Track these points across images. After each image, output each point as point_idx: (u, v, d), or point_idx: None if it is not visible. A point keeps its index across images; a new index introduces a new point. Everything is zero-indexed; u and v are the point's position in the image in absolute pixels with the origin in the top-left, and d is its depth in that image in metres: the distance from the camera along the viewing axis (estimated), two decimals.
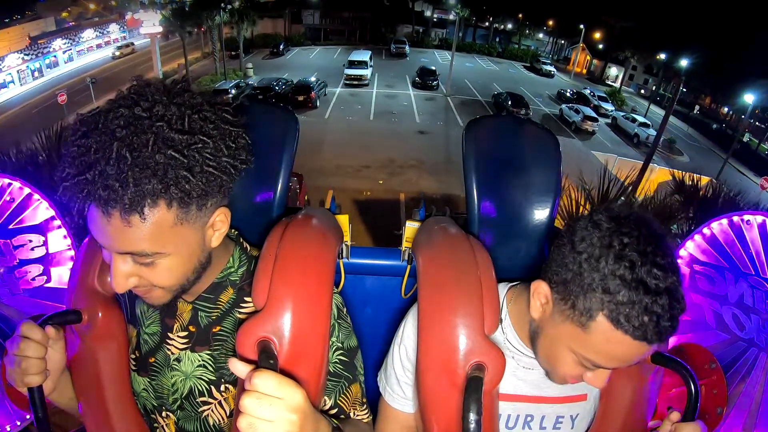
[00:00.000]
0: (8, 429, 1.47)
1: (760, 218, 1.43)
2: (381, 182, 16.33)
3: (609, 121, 29.03)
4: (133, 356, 1.20)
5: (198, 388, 1.13)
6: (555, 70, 41.45)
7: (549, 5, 42.84)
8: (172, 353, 1.14)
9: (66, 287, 1.25)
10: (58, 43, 35.08)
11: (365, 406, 1.19)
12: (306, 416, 0.82)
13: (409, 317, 1.25)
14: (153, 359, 1.17)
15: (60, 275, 1.70)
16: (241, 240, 1.21)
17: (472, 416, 0.96)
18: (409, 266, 1.53)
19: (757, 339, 1.41)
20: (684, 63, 24.33)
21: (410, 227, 1.50)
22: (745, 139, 30.87)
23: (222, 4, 30.73)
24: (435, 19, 53.05)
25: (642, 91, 40.76)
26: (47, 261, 1.69)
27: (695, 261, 1.59)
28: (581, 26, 40.51)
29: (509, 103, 26.73)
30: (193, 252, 1.00)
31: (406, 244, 1.54)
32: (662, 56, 32.18)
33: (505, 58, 46.74)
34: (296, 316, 0.96)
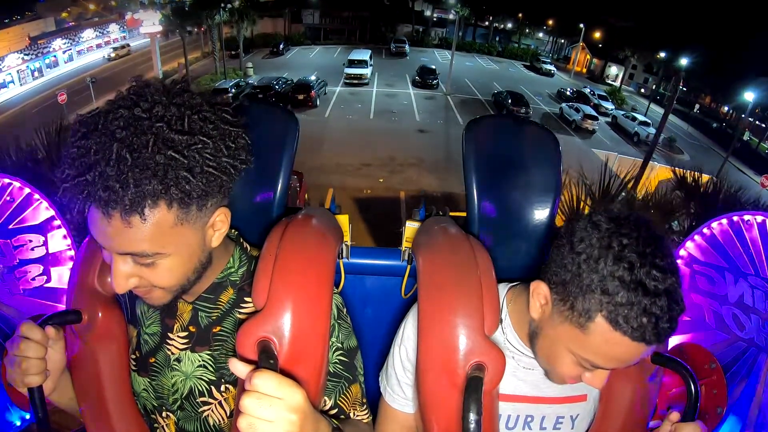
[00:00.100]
0: (8, 429, 1.47)
1: (760, 218, 1.43)
2: (381, 180, 16.33)
3: (609, 119, 29.01)
4: (133, 356, 1.20)
5: (198, 388, 1.13)
6: (555, 69, 41.41)
7: (549, 5, 42.78)
8: (173, 353, 1.14)
9: (66, 287, 1.25)
10: (58, 43, 35.02)
11: (365, 406, 1.19)
12: (306, 416, 0.82)
13: (409, 317, 1.25)
14: (153, 359, 1.17)
15: (60, 275, 1.70)
16: (242, 240, 1.21)
17: (472, 416, 0.96)
18: (409, 266, 1.53)
19: (757, 339, 1.41)
20: (684, 62, 24.29)
21: (410, 227, 1.50)
22: (746, 137, 30.87)
23: (222, 4, 30.70)
24: (435, 19, 53.00)
25: (642, 90, 40.73)
26: (47, 261, 1.69)
27: (695, 261, 1.59)
28: (581, 25, 40.49)
29: (509, 101, 26.72)
30: (193, 252, 1.01)
31: (406, 244, 1.54)
32: (662, 55, 32.15)
33: (505, 57, 46.67)
34: (296, 317, 0.96)
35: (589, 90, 33.05)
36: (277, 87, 25.73)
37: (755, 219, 1.44)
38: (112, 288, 1.14)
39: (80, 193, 0.85)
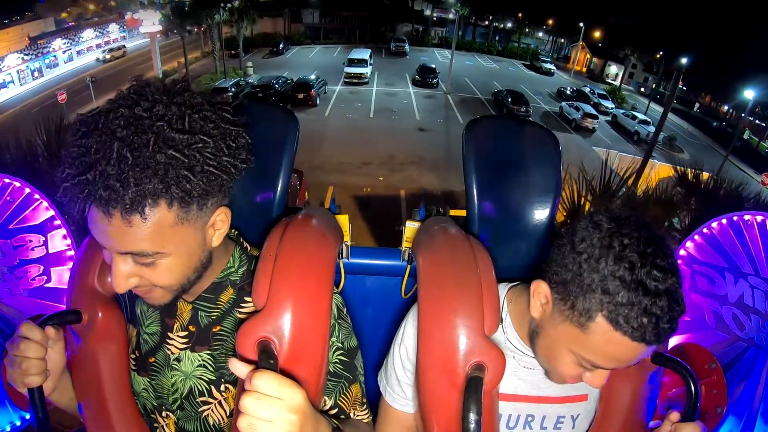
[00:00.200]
0: (8, 429, 1.47)
1: (759, 218, 1.43)
2: (381, 179, 16.33)
3: (609, 118, 29.03)
4: (133, 356, 1.20)
5: (198, 388, 1.13)
6: (555, 68, 41.45)
7: (548, 4, 42.80)
8: (172, 353, 1.14)
9: (66, 287, 1.25)
10: (58, 43, 34.95)
11: (365, 406, 1.19)
12: (306, 416, 0.82)
13: (409, 317, 1.25)
14: (153, 359, 1.17)
15: (60, 275, 1.70)
16: (242, 240, 1.21)
17: (472, 416, 0.96)
18: (409, 266, 1.53)
19: (757, 339, 1.41)
20: (684, 60, 24.30)
21: (410, 227, 1.50)
22: (746, 136, 30.88)
23: (222, 3, 30.69)
24: (434, 18, 52.98)
25: (642, 89, 40.75)
26: (47, 261, 1.69)
27: (695, 261, 1.59)
28: (581, 24, 40.48)
29: (509, 100, 26.75)
30: (193, 252, 1.01)
31: (406, 244, 1.54)
32: (662, 53, 32.18)
33: (504, 57, 46.68)
34: (296, 316, 0.96)
35: (589, 89, 33.07)
36: (276, 86, 25.71)
37: (755, 219, 1.44)
38: (112, 288, 1.14)
39: (81, 193, 0.85)
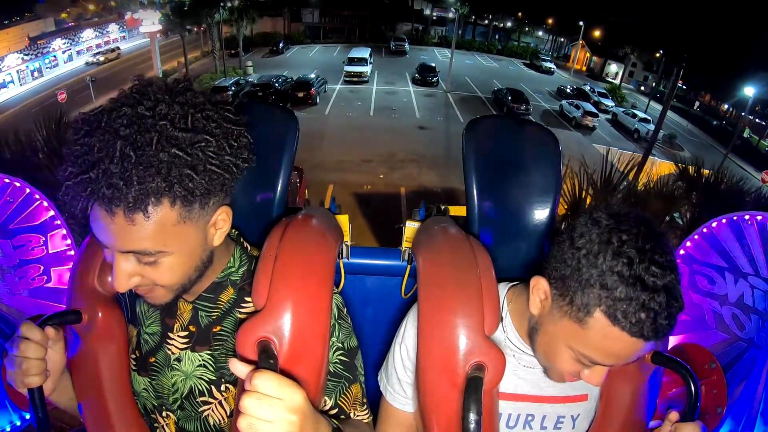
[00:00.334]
0: (8, 429, 1.47)
1: (759, 217, 1.42)
2: (381, 176, 16.32)
3: (609, 117, 29.05)
4: (133, 356, 1.20)
5: (198, 388, 1.13)
6: (555, 67, 41.42)
7: (548, 3, 42.75)
8: (173, 353, 1.14)
9: (66, 287, 1.25)
10: (58, 43, 34.89)
11: (365, 406, 1.19)
12: (306, 417, 0.82)
13: (409, 317, 1.25)
14: (153, 359, 1.17)
15: (60, 275, 1.70)
16: (242, 240, 1.21)
17: (472, 416, 0.96)
18: (409, 266, 1.53)
19: (757, 339, 1.41)
20: (683, 59, 24.28)
21: (410, 227, 1.50)
22: (746, 135, 30.88)
23: (221, 2, 30.67)
24: (434, 17, 52.88)
25: (642, 88, 40.73)
26: (47, 261, 1.69)
27: (695, 261, 1.59)
28: (581, 23, 40.46)
29: (509, 98, 26.72)
30: (195, 251, 1.01)
31: (406, 244, 1.54)
32: (662, 52, 32.17)
33: (504, 56, 46.67)
34: (296, 316, 0.96)
35: (589, 87, 33.10)
36: (276, 85, 25.69)
37: (755, 219, 1.43)
38: (112, 288, 1.15)
39: (83, 191, 0.86)
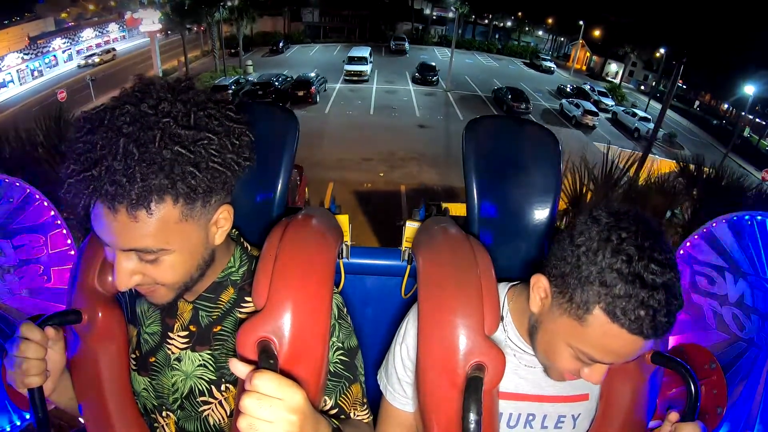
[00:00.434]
0: (8, 429, 1.47)
1: (759, 218, 1.42)
2: (382, 174, 16.34)
3: (609, 116, 29.05)
4: (133, 356, 1.20)
5: (198, 388, 1.13)
6: (555, 66, 41.43)
7: (548, 3, 42.73)
8: (173, 353, 1.14)
9: (66, 287, 1.25)
10: (58, 43, 34.82)
11: (366, 406, 1.19)
12: (306, 417, 0.82)
13: (410, 316, 1.26)
14: (153, 359, 1.17)
15: (60, 275, 1.70)
16: (242, 240, 1.21)
17: (472, 416, 0.96)
18: (409, 266, 1.53)
19: (757, 339, 1.41)
20: (683, 57, 24.27)
21: (410, 227, 1.51)
22: (746, 134, 30.89)
23: (221, 1, 30.66)
24: (434, 17, 52.90)
25: (642, 87, 40.72)
26: (47, 261, 1.68)
27: (695, 261, 1.59)
28: (580, 23, 40.45)
29: (509, 97, 26.77)
30: (196, 249, 1.01)
31: (406, 244, 1.54)
32: (662, 51, 32.17)
33: (504, 55, 46.68)
34: (296, 316, 0.96)
35: (589, 86, 33.10)
36: (276, 84, 25.67)
37: (755, 219, 1.43)
38: (112, 287, 1.15)
39: (86, 188, 0.86)
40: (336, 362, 1.14)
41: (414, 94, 28.99)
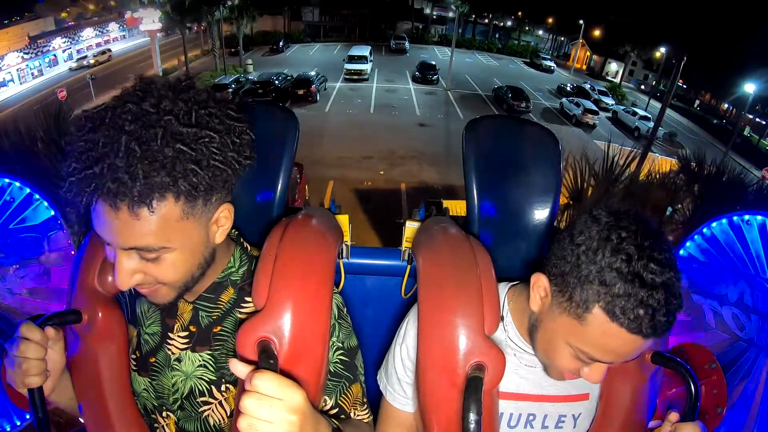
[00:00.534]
0: (8, 429, 1.47)
1: (760, 218, 1.42)
2: (382, 173, 16.33)
3: (609, 114, 29.03)
4: (133, 356, 1.20)
5: (198, 388, 1.13)
6: (555, 65, 41.39)
7: (548, 2, 42.71)
8: (173, 353, 1.14)
9: (66, 287, 1.25)
10: (58, 42, 34.82)
11: (366, 406, 1.19)
12: (306, 417, 0.83)
13: (410, 316, 1.26)
14: (153, 359, 1.17)
15: (60, 275, 1.70)
16: (242, 240, 1.21)
17: (472, 416, 0.96)
18: (409, 266, 1.53)
19: (757, 339, 1.41)
20: (684, 56, 24.26)
21: (410, 227, 1.51)
22: (746, 133, 30.89)
23: (222, 0, 30.65)
24: (434, 16, 52.91)
25: (642, 87, 40.68)
26: (47, 261, 1.69)
27: (695, 261, 1.59)
28: (581, 22, 40.43)
29: (510, 96, 26.74)
30: (197, 248, 1.01)
31: (406, 244, 1.54)
32: (662, 50, 32.17)
33: (505, 54, 46.66)
34: (296, 316, 0.96)
35: (589, 85, 33.06)
36: (277, 82, 25.65)
37: (755, 219, 1.43)
38: (112, 287, 1.15)
39: (87, 186, 0.86)
40: (336, 362, 1.14)
41: (414, 92, 28.98)
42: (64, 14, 41.99)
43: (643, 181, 4.14)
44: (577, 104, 26.72)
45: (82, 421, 1.23)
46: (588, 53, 45.17)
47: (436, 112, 25.44)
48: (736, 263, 1.48)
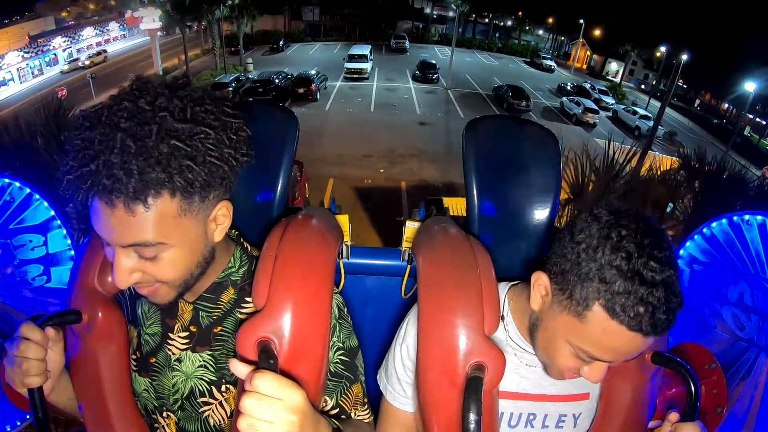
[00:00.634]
0: (8, 429, 1.47)
1: (760, 218, 1.43)
2: (382, 171, 16.34)
3: (610, 114, 29.04)
4: (133, 356, 1.20)
5: (199, 389, 1.13)
6: (555, 65, 41.40)
7: (548, 2, 42.72)
8: (173, 353, 1.14)
9: (66, 287, 1.25)
10: (58, 41, 34.78)
11: (366, 406, 1.19)
12: (306, 417, 0.83)
13: (410, 316, 1.26)
14: (154, 359, 1.17)
15: (60, 275, 1.70)
16: (242, 240, 1.21)
17: (472, 416, 0.96)
18: (409, 266, 1.53)
19: (757, 339, 1.41)
20: (683, 55, 24.25)
21: (410, 227, 1.50)
22: (746, 133, 30.89)
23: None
24: (434, 16, 52.94)
25: (642, 86, 40.69)
26: (47, 261, 1.69)
27: (695, 261, 1.59)
28: (581, 22, 40.42)
29: (510, 95, 26.74)
30: (196, 245, 1.01)
31: (406, 244, 1.54)
32: (663, 50, 32.16)
33: (505, 54, 46.73)
34: (296, 317, 0.96)
35: (589, 85, 33.07)
36: (277, 81, 25.64)
37: (755, 219, 1.44)
38: (112, 287, 1.15)
39: (84, 183, 0.86)
40: (336, 362, 1.14)
41: (414, 91, 28.99)
42: (64, 14, 41.99)
43: (644, 177, 4.14)
44: (578, 103, 26.73)
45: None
46: (588, 53, 45.18)
47: (436, 110, 25.44)
48: (736, 263, 1.48)
